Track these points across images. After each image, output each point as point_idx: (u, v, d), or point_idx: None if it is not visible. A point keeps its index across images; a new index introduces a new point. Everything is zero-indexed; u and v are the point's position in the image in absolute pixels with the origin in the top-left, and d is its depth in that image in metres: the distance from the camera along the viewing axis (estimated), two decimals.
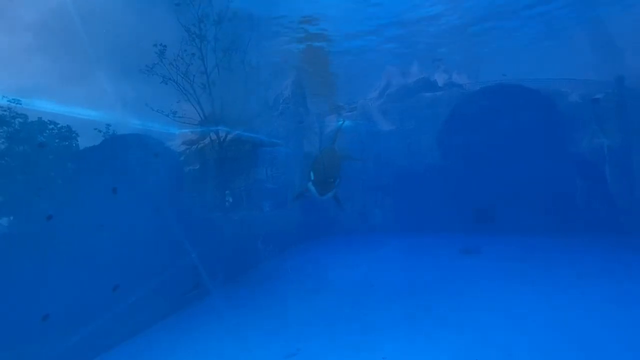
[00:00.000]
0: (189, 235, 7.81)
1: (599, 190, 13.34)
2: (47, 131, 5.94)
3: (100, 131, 6.92)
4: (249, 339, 6.11)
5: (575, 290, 7.37)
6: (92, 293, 5.85)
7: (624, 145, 13.37)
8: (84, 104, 6.98)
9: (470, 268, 9.45)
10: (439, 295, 7.55)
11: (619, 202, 12.99)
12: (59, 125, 6.15)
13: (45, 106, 5.99)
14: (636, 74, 14.00)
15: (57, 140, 6.08)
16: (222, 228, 9.67)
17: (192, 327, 6.68)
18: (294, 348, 5.58)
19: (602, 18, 16.57)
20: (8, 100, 5.43)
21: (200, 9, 10.01)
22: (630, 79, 13.78)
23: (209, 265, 8.16)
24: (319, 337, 5.97)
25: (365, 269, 10.01)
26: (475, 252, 10.95)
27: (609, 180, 13.34)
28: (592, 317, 6.08)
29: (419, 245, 12.32)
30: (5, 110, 5.39)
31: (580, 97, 14.50)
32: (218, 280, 8.55)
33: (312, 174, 6.00)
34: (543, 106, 14.51)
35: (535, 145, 14.23)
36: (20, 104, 5.55)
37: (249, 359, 5.49)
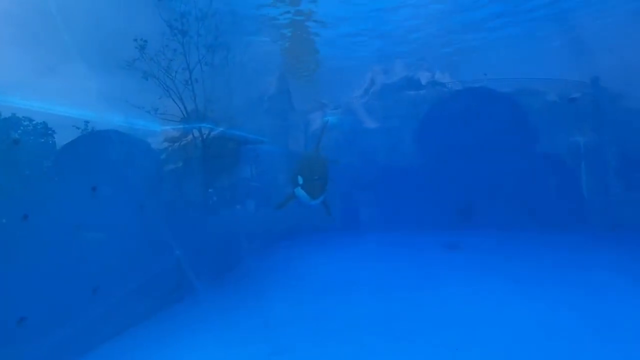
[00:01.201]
0: (172, 234, 7.69)
1: (575, 187, 13.81)
2: (22, 128, 5.73)
3: (78, 128, 6.72)
4: (233, 337, 6.08)
5: (549, 282, 7.71)
6: (70, 295, 5.69)
7: (598, 143, 13.87)
8: (61, 100, 6.76)
9: (452, 262, 9.65)
10: (421, 290, 7.69)
11: (594, 199, 13.48)
12: (34, 122, 5.94)
13: (19, 101, 5.77)
14: (610, 74, 14.55)
15: (32, 137, 5.88)
16: (205, 226, 9.55)
17: (175, 327, 6.59)
18: (278, 346, 5.57)
19: (578, 21, 17.15)
20: None
21: (182, 3, 9.83)
22: (605, 80, 14.31)
23: (193, 264, 8.05)
24: (303, 334, 5.98)
25: (349, 265, 10.07)
26: (456, 247, 11.17)
27: (584, 178, 13.82)
28: (563, 306, 6.37)
29: (402, 242, 12.47)
30: None
31: (558, 96, 14.94)
32: (202, 279, 8.46)
33: (299, 178, 5.77)
34: (522, 105, 14.89)
35: (514, 144, 14.62)
36: None
37: (232, 357, 5.46)
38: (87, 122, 7.03)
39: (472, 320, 6.10)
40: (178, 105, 10.08)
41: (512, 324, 5.89)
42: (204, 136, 10.32)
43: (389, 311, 6.73)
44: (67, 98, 6.91)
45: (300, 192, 5.75)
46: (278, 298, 7.84)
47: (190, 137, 10.42)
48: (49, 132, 6.13)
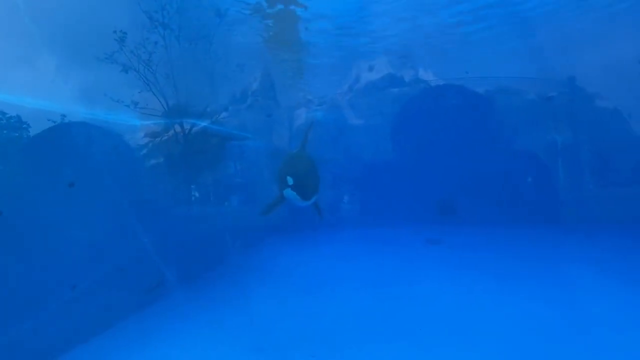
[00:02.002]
0: (152, 231, 7.55)
1: (553, 183, 14.24)
2: None
3: (54, 122, 6.52)
4: (215, 335, 6.03)
5: (525, 274, 8.00)
6: (46, 293, 5.54)
7: (574, 141, 14.35)
8: (35, 93, 6.53)
9: (433, 258, 9.86)
10: (403, 285, 7.82)
11: (570, 194, 13.94)
12: (7, 115, 5.73)
13: None
14: (586, 74, 15.06)
15: (5, 131, 5.67)
16: (187, 223, 9.43)
17: (156, 326, 6.48)
18: (262, 344, 5.57)
19: (559, 22, 17.65)
20: None
21: None
22: (581, 79, 14.81)
23: (174, 262, 7.94)
24: (287, 331, 5.99)
25: (333, 262, 10.12)
26: (438, 242, 11.39)
27: (561, 174, 14.27)
28: (538, 298, 6.61)
29: (385, 238, 12.61)
30: None
31: (536, 95, 15.35)
32: (183, 276, 8.35)
33: (289, 179, 5.14)
34: (501, 103, 15.25)
35: (494, 141, 14.97)
36: None
37: (215, 355, 5.43)
38: (63, 116, 6.82)
39: (449, 314, 6.24)
40: (159, 100, 9.89)
41: (490, 317, 6.04)
42: (186, 131, 10.16)
43: (372, 307, 6.80)
44: (42, 91, 6.69)
45: (290, 193, 5.21)
46: (262, 295, 7.82)
47: (171, 132, 10.25)
48: (23, 126, 5.92)
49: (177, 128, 10.20)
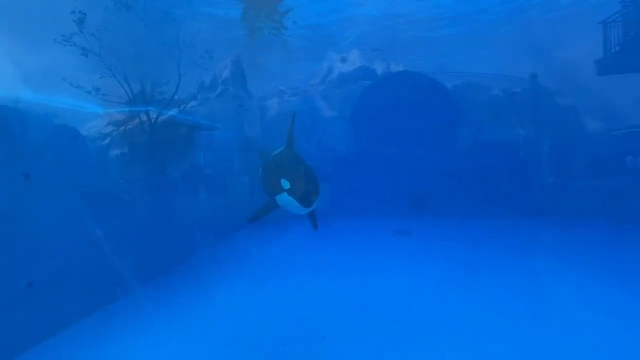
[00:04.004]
0: (116, 225, 7.25)
1: (517, 176, 14.87)
2: None
3: (4, 109, 6.05)
4: (185, 328, 5.93)
5: (494, 263, 8.43)
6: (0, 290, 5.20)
7: (536, 135, 15.05)
8: None
9: (402, 248, 10.12)
10: (371, 274, 8.03)
11: (533, 187, 14.63)
12: None
13: None
14: (547, 72, 15.79)
15: None
16: (153, 216, 9.12)
17: (119, 323, 6.27)
18: (234, 335, 5.53)
19: (522, 23, 18.39)
20: None
21: None
22: (543, 77, 15.51)
23: (140, 256, 7.67)
24: (258, 323, 5.98)
25: (304, 253, 10.15)
26: (408, 234, 11.66)
27: (524, 168, 14.93)
28: (505, 287, 6.95)
29: (357, 229, 12.78)
30: None
31: (502, 90, 15.92)
32: (150, 271, 8.11)
33: (284, 182, 4.30)
34: (469, 98, 15.72)
35: (463, 134, 15.46)
36: None
37: (186, 346, 5.34)
38: (16, 101, 6.36)
39: (413, 304, 6.46)
40: (123, 86, 9.41)
41: (455, 306, 6.29)
42: (152, 120, 9.75)
43: (341, 296, 6.90)
44: None
45: (286, 199, 4.34)
46: (234, 286, 7.75)
47: (136, 121, 9.81)
48: None
49: (143, 117, 9.76)
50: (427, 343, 5.11)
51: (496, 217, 13.30)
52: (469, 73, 16.79)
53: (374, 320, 5.88)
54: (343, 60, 18.31)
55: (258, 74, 17.87)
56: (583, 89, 15.34)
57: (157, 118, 9.81)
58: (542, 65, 16.28)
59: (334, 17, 18.55)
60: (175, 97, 10.18)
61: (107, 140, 9.49)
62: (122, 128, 9.96)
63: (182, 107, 10.69)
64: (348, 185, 15.25)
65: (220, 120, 13.84)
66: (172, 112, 10.27)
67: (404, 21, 18.91)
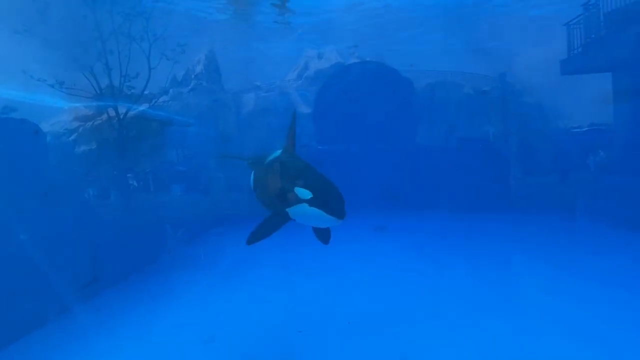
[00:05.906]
0: (85, 224, 6.97)
1: (487, 172, 15.35)
2: None
3: None
4: (161, 328, 5.81)
5: (466, 253, 8.86)
6: None
7: (504, 132, 15.62)
8: None
9: (378, 242, 10.36)
10: (355, 269, 8.26)
11: (502, 183, 15.14)
12: None
13: None
14: (515, 71, 16.39)
15: None
16: (124, 214, 8.83)
17: (89, 325, 6.07)
18: (211, 334, 5.44)
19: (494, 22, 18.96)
20: None
21: None
22: (511, 75, 16.09)
23: (110, 256, 7.42)
24: (235, 321, 5.93)
25: (278, 250, 10.10)
26: (383, 228, 11.85)
27: (493, 164, 15.43)
28: (475, 277, 7.33)
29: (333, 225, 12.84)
30: None
31: (472, 89, 16.39)
32: (120, 271, 7.86)
33: (303, 191, 3.49)
34: (442, 95, 16.10)
35: (436, 131, 15.83)
36: None
37: (162, 347, 5.23)
38: None
39: (388, 293, 6.76)
40: (89, 80, 9.04)
41: (427, 292, 6.63)
42: (121, 116, 9.41)
43: (318, 293, 6.96)
44: None
45: (308, 211, 3.53)
46: (209, 285, 7.65)
47: (104, 116, 9.45)
48: None
49: (111, 112, 9.41)
50: (405, 336, 5.24)
51: (465, 211, 13.71)
52: (442, 71, 17.17)
53: (351, 316, 5.95)
54: (319, 56, 18.30)
55: (233, 68, 17.59)
56: (548, 88, 16.03)
57: (126, 113, 9.48)
58: (510, 64, 16.90)
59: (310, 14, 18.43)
60: (146, 92, 9.87)
61: (74, 136, 9.09)
62: (89, 124, 9.57)
63: (153, 101, 10.37)
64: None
65: (193, 115, 13.53)
66: (143, 107, 9.95)
67: (380, 17, 19.04)
